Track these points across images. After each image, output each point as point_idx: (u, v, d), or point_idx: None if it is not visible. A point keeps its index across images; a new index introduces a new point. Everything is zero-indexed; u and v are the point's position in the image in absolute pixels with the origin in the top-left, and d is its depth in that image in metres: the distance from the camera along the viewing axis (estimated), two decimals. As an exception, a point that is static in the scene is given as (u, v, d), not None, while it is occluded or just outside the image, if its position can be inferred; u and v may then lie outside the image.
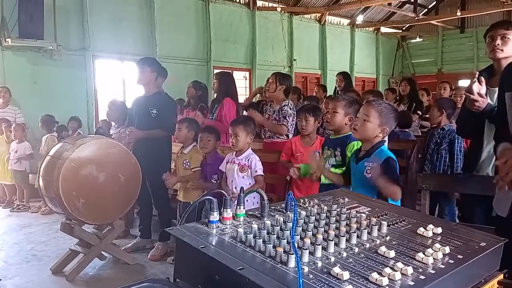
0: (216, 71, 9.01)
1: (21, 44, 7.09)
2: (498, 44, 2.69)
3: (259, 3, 11.20)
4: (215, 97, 5.40)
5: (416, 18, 13.44)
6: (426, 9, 14.78)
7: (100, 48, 8.32)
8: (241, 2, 10.93)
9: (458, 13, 12.21)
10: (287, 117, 4.57)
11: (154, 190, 4.46)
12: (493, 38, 2.74)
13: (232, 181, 3.66)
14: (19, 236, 5.16)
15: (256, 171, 3.57)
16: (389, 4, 12.59)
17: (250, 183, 3.58)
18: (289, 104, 4.66)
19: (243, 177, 3.60)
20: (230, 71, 8.07)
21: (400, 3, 13.47)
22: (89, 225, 4.23)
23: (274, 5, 11.53)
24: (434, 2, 14.57)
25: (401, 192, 2.41)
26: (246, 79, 11.16)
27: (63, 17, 7.69)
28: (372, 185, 2.40)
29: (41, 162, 4.08)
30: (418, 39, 15.22)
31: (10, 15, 7.05)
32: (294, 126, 4.61)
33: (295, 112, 4.60)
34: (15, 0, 6.97)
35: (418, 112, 6.26)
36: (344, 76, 7.01)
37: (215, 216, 1.34)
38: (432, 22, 13.81)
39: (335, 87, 7.38)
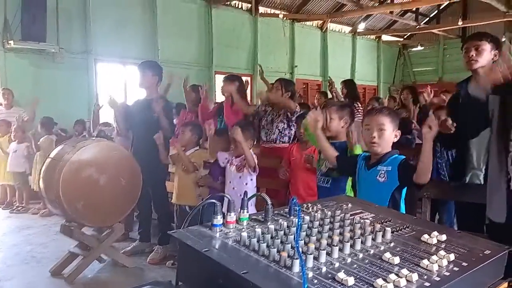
0: (217, 76, 9.03)
1: (24, 46, 7.11)
2: (473, 55, 2.81)
3: (261, 10, 11.24)
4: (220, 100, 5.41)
5: (417, 26, 13.51)
6: (427, 18, 14.84)
7: (102, 52, 8.34)
8: (244, 8, 10.97)
9: (460, 23, 12.27)
10: (291, 127, 4.58)
11: (154, 193, 4.46)
12: (468, 49, 2.86)
13: (230, 181, 3.71)
14: (18, 237, 5.14)
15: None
16: (391, 12, 12.63)
17: (246, 183, 3.59)
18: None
19: (239, 177, 3.62)
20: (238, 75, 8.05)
21: (402, 11, 13.52)
22: (89, 228, 4.22)
23: (276, 11, 11.58)
24: (436, 11, 14.61)
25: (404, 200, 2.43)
26: (248, 84, 11.16)
27: (65, 20, 7.71)
28: (384, 191, 2.41)
29: (41, 164, 4.07)
30: (419, 48, 15.29)
31: (13, 17, 7.07)
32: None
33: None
34: (18, 2, 7.00)
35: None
36: (346, 84, 6.96)
37: (218, 220, 1.34)
38: (433, 31, 13.85)
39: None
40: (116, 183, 3.97)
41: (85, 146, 3.87)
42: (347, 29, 13.87)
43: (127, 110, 4.63)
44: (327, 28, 12.94)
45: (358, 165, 2.64)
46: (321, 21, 12.84)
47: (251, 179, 3.61)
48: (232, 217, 1.36)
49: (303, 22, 12.38)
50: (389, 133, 2.48)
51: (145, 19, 9.01)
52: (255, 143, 3.93)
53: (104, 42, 8.30)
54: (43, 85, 7.55)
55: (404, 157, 2.48)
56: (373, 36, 14.75)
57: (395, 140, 2.53)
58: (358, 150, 2.91)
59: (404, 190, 2.49)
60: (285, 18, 11.76)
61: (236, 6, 10.83)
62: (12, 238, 5.10)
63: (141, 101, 4.60)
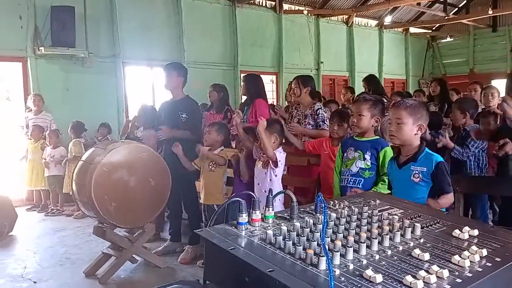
0: (243, 75, 9.07)
1: (54, 52, 7.27)
2: None
3: (285, 7, 11.17)
4: (243, 100, 5.42)
5: (446, 17, 13.16)
6: (456, 8, 14.45)
7: (130, 55, 8.46)
8: (268, 6, 10.94)
9: (490, 12, 11.88)
10: (326, 121, 4.54)
11: (184, 193, 4.50)
12: None
13: (256, 177, 3.72)
14: (53, 239, 5.28)
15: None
16: (418, 4, 12.36)
17: (270, 180, 3.58)
18: (322, 108, 4.65)
19: (264, 173, 3.61)
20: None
21: (430, 2, 13.21)
22: (121, 229, 4.29)
23: (301, 8, 11.50)
24: (465, 1, 14.22)
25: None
26: (273, 82, 11.15)
27: (94, 26, 7.86)
28: (420, 191, 2.38)
29: (74, 167, 4.17)
30: (448, 39, 14.88)
31: (43, 24, 7.26)
32: None
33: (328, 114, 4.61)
34: (47, 10, 7.19)
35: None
36: (367, 82, 6.76)
37: (244, 218, 1.34)
38: (462, 21, 13.48)
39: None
40: (146, 184, 4.03)
41: (115, 149, 3.94)
42: (373, 22, 13.65)
43: (155, 113, 4.71)
44: (352, 22, 12.76)
45: (387, 168, 2.64)
46: (346, 16, 12.68)
47: (276, 175, 3.59)
48: (257, 215, 1.36)
49: (328, 18, 12.25)
50: (409, 127, 2.43)
51: (170, 21, 9.10)
52: (282, 140, 3.90)
53: (131, 46, 8.43)
54: (73, 89, 7.71)
55: (439, 159, 2.41)
56: (400, 29, 14.46)
57: (419, 133, 2.47)
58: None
59: None
60: (309, 14, 11.67)
61: (260, 4, 10.81)
62: (48, 240, 5.25)
63: (168, 102, 4.66)
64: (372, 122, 3.01)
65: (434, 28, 15.24)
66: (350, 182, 3.03)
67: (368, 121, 3.00)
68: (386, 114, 3.86)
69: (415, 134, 2.45)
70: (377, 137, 3.07)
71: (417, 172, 2.40)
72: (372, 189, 2.88)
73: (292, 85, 4.86)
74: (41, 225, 6.03)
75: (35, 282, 3.95)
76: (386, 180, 2.81)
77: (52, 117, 7.08)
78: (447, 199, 2.37)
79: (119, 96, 8.36)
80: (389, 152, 2.91)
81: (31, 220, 6.27)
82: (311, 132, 4.64)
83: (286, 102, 7.47)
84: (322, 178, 3.84)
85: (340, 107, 6.40)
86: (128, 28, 8.38)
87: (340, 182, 3.14)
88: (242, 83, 5.38)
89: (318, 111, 4.59)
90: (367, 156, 2.98)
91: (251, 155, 3.93)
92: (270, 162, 3.55)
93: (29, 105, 7.04)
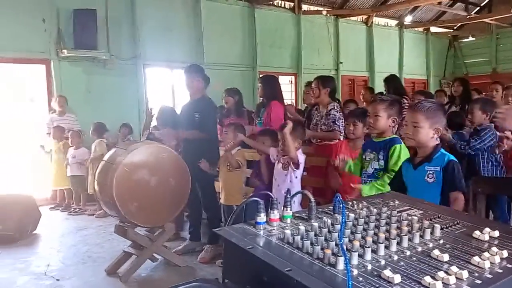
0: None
1: (76, 54, 7.41)
2: None
3: (304, 7, 11.16)
4: (260, 101, 5.43)
5: (467, 16, 12.96)
6: (478, 7, 14.20)
7: (151, 57, 8.56)
8: (286, 7, 10.94)
9: (513, 10, 11.66)
10: (336, 121, 4.53)
11: (203, 193, 4.54)
12: None
13: (275, 179, 3.73)
14: (76, 238, 5.38)
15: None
16: (439, 3, 12.20)
17: (290, 181, 3.59)
18: (335, 107, 4.63)
19: (285, 174, 3.62)
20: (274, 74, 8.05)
21: (451, 1, 13.03)
22: (142, 228, 4.35)
23: (320, 8, 11.47)
24: (487, 0, 13.98)
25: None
26: (292, 83, 11.15)
27: (115, 28, 7.98)
28: (434, 192, 2.33)
29: (96, 167, 4.25)
30: (470, 38, 14.66)
31: (65, 27, 7.41)
32: (343, 127, 4.56)
33: (341, 114, 4.58)
34: (70, 13, 7.33)
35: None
36: (388, 82, 6.66)
37: (262, 218, 1.35)
38: (485, 20, 13.25)
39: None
40: (166, 184, 4.08)
41: (136, 149, 4.00)
42: (393, 22, 13.51)
43: (174, 114, 4.77)
44: (372, 22, 12.67)
45: (402, 169, 2.59)
46: (366, 16, 12.60)
47: (296, 177, 3.60)
48: (275, 215, 1.37)
49: (347, 18, 12.18)
50: (425, 131, 2.40)
51: (190, 22, 9.17)
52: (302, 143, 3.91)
53: (152, 48, 8.52)
54: (95, 91, 7.84)
55: (450, 158, 2.38)
56: (421, 29, 14.29)
57: (435, 137, 2.44)
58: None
59: None
60: (328, 14, 11.63)
61: (279, 5, 10.82)
62: (70, 239, 5.35)
63: (187, 104, 4.72)
64: (389, 122, 2.99)
65: (455, 28, 15.01)
66: (367, 184, 3.03)
67: (385, 122, 2.98)
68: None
69: (431, 138, 2.43)
70: (394, 136, 3.05)
71: (431, 172, 2.37)
72: (371, 183, 2.91)
73: (313, 85, 4.86)
74: (64, 224, 6.15)
75: (58, 280, 4.03)
76: (386, 177, 2.81)
77: (76, 118, 7.21)
78: (459, 199, 2.31)
79: (140, 97, 8.46)
80: (398, 149, 2.89)
81: (55, 219, 6.40)
82: (319, 134, 4.65)
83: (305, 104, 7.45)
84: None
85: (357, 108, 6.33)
86: (148, 30, 8.49)
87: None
88: (258, 84, 5.39)
89: (331, 111, 4.58)
90: (381, 157, 2.99)
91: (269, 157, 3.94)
92: (291, 163, 3.56)
93: (53, 107, 7.19)
